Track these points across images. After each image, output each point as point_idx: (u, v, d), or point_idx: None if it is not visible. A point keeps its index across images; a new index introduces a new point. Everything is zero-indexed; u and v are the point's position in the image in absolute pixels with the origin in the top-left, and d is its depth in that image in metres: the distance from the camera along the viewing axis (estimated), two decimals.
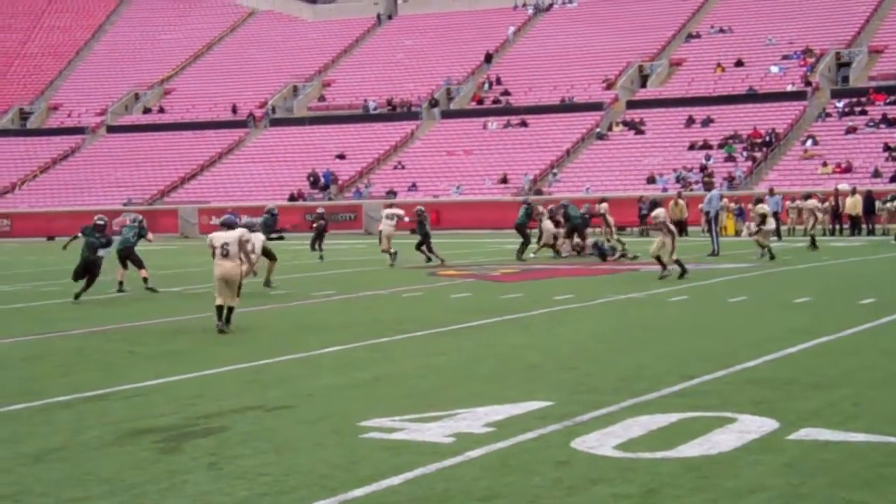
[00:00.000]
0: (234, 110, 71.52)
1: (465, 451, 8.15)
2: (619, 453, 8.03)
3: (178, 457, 8.35)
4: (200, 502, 7.19)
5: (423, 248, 30.02)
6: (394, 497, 7.13)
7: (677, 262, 23.00)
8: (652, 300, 19.28)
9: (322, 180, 61.47)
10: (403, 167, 62.03)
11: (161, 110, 74.90)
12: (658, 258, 23.15)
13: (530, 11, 77.41)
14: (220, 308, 15.60)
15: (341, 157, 64.41)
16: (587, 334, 15.13)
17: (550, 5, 77.47)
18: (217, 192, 62.80)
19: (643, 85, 66.45)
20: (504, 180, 57.74)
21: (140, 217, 26.47)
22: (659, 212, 23.89)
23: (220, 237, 15.57)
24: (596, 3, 75.11)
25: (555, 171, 58.28)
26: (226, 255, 15.22)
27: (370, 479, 7.47)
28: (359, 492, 7.22)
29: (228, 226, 15.83)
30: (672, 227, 23.91)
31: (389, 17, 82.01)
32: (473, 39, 74.08)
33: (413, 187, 58.97)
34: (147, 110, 75.40)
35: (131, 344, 15.09)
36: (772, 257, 27.80)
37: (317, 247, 33.92)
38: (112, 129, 73.29)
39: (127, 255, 23.63)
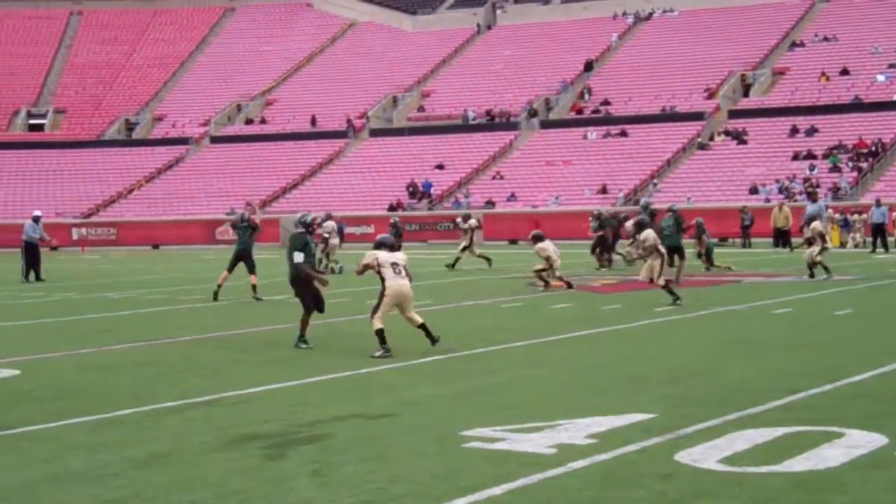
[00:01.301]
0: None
1: (567, 463, 8.12)
2: (723, 467, 7.94)
3: (283, 463, 8.46)
4: None
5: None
6: None
7: (665, 287, 20.44)
8: (754, 312, 19.02)
9: (421, 190, 61.80)
10: (502, 177, 62.03)
11: (263, 121, 75.93)
12: (651, 281, 20.68)
13: (630, 20, 76.97)
14: (380, 332, 14.34)
15: (440, 167, 64.64)
16: (689, 346, 14.98)
17: (651, 14, 76.93)
18: (318, 202, 63.36)
19: (745, 94, 65.66)
20: (603, 190, 57.45)
21: (245, 214, 25.00)
22: (647, 234, 20.73)
23: (388, 256, 14.92)
24: (697, 11, 74.40)
25: (655, 181, 57.83)
26: (399, 273, 14.96)
27: (472, 489, 7.48)
28: (461, 501, 7.23)
29: (390, 246, 15.51)
30: (663, 249, 20.84)
31: (489, 28, 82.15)
32: (572, 49, 73.84)
33: (512, 197, 58.95)
34: (249, 121, 76.48)
35: (236, 351, 15.31)
36: (811, 276, 25.66)
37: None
38: (215, 140, 74.47)
39: (246, 256, 23.35)
